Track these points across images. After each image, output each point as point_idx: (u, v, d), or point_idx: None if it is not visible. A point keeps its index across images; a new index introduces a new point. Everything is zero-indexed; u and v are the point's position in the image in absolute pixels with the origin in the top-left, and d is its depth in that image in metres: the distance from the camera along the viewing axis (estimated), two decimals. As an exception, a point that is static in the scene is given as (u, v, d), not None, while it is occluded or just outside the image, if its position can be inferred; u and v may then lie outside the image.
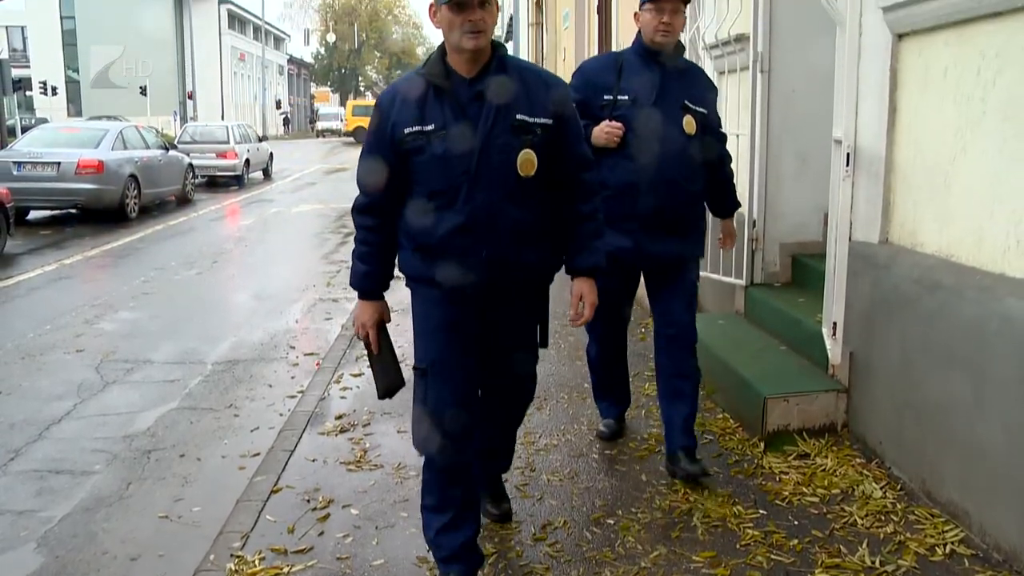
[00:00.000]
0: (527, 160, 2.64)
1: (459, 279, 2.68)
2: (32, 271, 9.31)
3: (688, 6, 3.62)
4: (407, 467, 3.82)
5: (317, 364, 5.70)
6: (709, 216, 3.98)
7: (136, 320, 7.14)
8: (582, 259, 2.85)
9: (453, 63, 2.66)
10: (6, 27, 44.59)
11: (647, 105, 3.46)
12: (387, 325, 2.89)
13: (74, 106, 47.44)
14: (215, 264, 10.06)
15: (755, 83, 4.98)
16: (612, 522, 3.31)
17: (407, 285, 2.86)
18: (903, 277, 3.49)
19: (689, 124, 3.48)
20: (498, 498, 3.33)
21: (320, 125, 56.66)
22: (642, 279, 3.81)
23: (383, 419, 4.44)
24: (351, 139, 42.47)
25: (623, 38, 10.36)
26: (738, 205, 3.98)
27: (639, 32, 3.59)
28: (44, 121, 25.98)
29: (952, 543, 3.05)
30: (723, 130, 3.81)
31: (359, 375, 5.16)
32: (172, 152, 16.04)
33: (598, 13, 10.80)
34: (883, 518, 3.26)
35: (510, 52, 2.77)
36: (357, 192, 2.82)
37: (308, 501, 3.56)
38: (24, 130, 20.50)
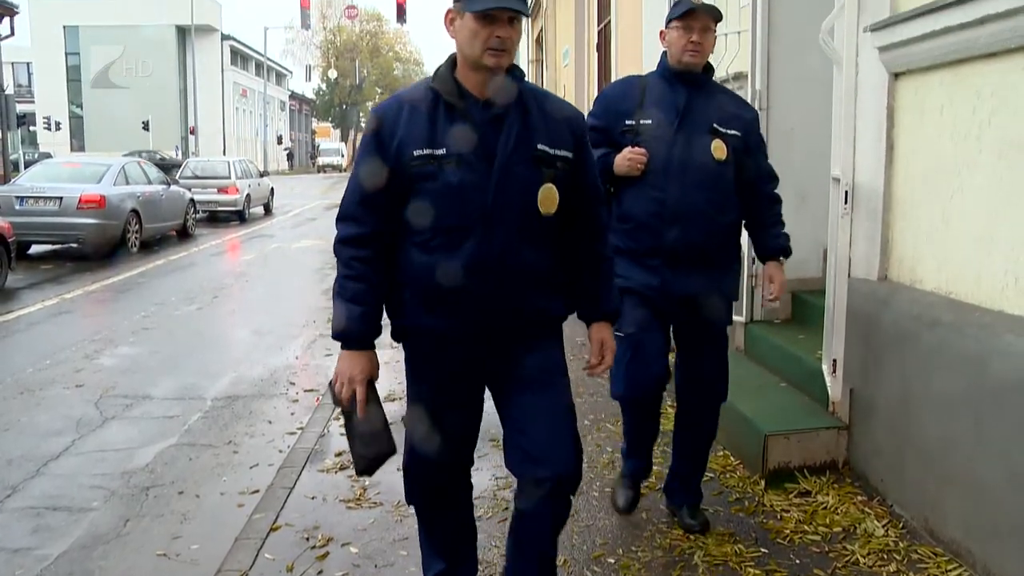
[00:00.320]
0: (548, 196, 2.37)
1: (467, 326, 2.40)
2: (33, 305, 9.31)
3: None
4: (407, 505, 3.78)
5: (317, 400, 5.69)
6: (743, 252, 3.72)
7: (136, 355, 7.13)
8: (603, 304, 2.61)
9: (465, 80, 2.36)
10: (12, 63, 44.97)
11: (671, 129, 3.19)
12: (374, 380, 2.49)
13: (77, 141, 47.79)
14: (215, 299, 10.07)
15: (754, 121, 5.01)
16: (612, 561, 3.29)
17: (397, 337, 2.55)
18: (902, 314, 3.49)
19: (719, 149, 3.17)
20: None
21: (321, 160, 57.03)
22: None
23: (383, 456, 4.42)
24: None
25: (623, 75, 10.46)
26: (786, 246, 3.41)
27: (664, 53, 3.33)
28: (48, 156, 26.14)
29: (955, 582, 3.03)
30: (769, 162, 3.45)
31: (359, 411, 5.14)
32: (173, 187, 16.12)
33: (597, 50, 10.92)
34: (885, 557, 3.24)
35: None
36: (340, 218, 2.50)
37: (307, 539, 3.54)
38: (27, 165, 20.61)
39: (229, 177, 19.94)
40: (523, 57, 18.70)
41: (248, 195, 20.46)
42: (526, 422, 2.46)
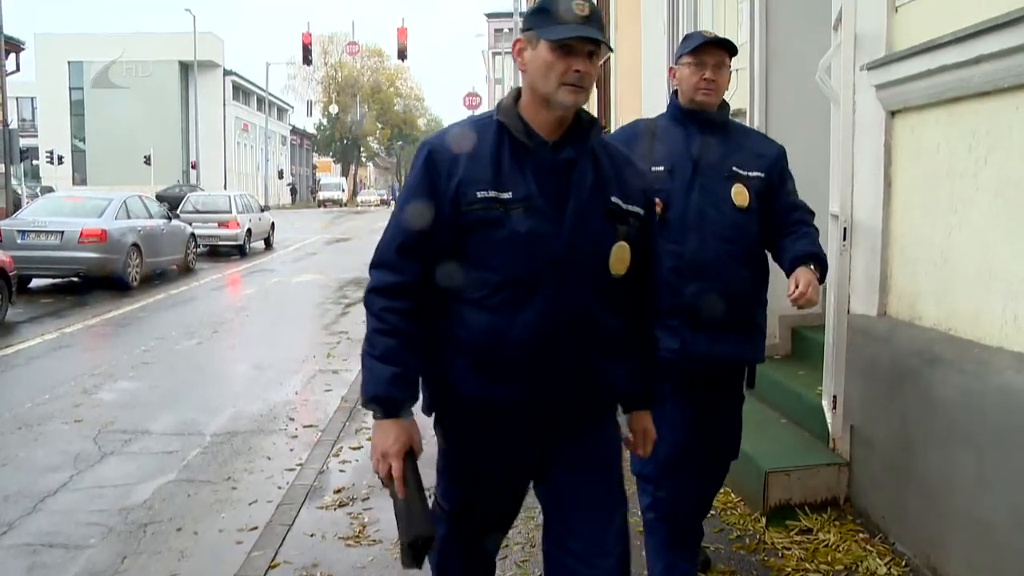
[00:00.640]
0: (621, 256, 2.12)
1: (528, 395, 2.09)
2: (32, 339, 9.31)
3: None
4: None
5: (316, 439, 5.67)
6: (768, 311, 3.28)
7: (136, 390, 7.12)
8: (649, 390, 2.35)
9: (532, 118, 2.10)
10: (16, 98, 45.39)
11: (686, 176, 2.90)
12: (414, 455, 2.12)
13: (79, 175, 48.07)
14: (216, 334, 10.06)
15: (752, 157, 5.05)
16: (613, 599, 3.26)
17: (435, 411, 2.23)
18: (902, 350, 3.50)
19: (739, 195, 2.90)
20: None
21: (322, 195, 57.27)
22: None
23: (382, 493, 4.38)
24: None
25: (622, 115, 10.54)
26: (819, 253, 2.96)
27: (674, 92, 3.07)
28: (50, 190, 26.25)
29: (959, 622, 3.01)
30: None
31: (358, 448, 5.12)
32: (174, 221, 16.19)
33: (597, 87, 11.01)
34: (888, 596, 3.22)
35: None
36: (374, 265, 2.15)
37: (305, 577, 3.51)
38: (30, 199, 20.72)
39: (230, 211, 20.01)
40: (523, 93, 18.85)
41: (249, 229, 20.51)
42: (574, 521, 2.18)
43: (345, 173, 70.34)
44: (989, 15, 2.86)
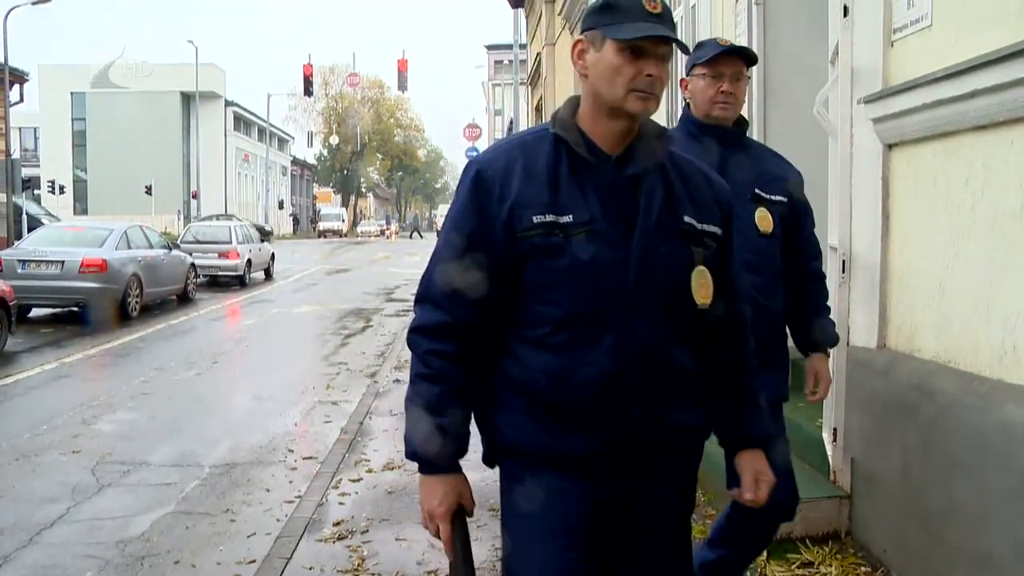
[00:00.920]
0: (703, 282, 1.88)
1: (601, 445, 1.84)
2: (32, 369, 9.30)
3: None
4: None
5: (316, 471, 5.64)
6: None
7: (134, 421, 7.10)
8: (752, 427, 2.06)
9: (592, 129, 1.87)
10: (19, 128, 45.60)
11: None
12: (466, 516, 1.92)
13: (80, 204, 48.25)
14: (215, 364, 10.05)
15: (750, 189, 5.08)
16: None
17: (498, 463, 1.97)
18: (902, 383, 3.50)
19: (764, 220, 2.69)
20: None
21: (322, 225, 57.43)
22: None
23: (382, 526, 4.38)
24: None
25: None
26: (835, 336, 2.94)
27: (687, 105, 2.86)
28: (56, 219, 26.28)
29: (962, 657, 2.98)
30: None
31: (358, 480, 5.10)
32: (174, 252, 16.22)
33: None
34: (891, 630, 3.19)
35: None
36: (419, 300, 1.93)
37: (303, 611, 3.49)
38: (31, 229, 20.75)
39: (230, 242, 20.05)
40: (522, 125, 18.96)
41: (249, 260, 20.55)
42: None
43: (345, 204, 70.54)
44: (983, 50, 2.89)
